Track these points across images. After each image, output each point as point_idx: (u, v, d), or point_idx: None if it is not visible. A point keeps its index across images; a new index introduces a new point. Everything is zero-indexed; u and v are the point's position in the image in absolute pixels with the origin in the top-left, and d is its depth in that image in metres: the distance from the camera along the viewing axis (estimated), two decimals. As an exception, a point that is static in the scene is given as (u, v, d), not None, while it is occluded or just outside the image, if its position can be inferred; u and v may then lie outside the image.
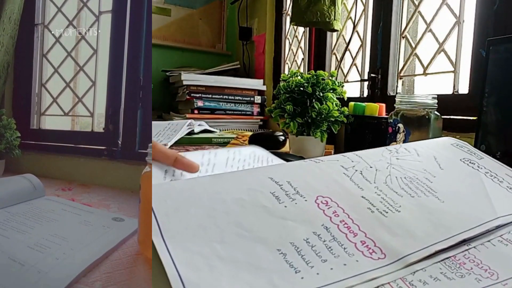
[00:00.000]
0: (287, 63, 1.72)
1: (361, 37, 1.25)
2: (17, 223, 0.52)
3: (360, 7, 1.24)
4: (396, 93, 1.11)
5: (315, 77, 0.85)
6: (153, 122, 1.33)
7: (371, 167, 0.42)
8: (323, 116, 0.82)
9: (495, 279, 0.28)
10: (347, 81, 1.34)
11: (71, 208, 0.61)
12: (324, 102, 0.83)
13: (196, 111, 1.55)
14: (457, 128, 0.85)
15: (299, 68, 1.61)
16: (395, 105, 0.75)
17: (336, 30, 1.20)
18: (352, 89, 1.29)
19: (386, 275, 0.28)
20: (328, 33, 1.43)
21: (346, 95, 0.88)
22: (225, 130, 1.55)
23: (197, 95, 1.55)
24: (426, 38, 1.01)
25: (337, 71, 1.32)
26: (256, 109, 1.68)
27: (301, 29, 1.59)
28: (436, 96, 0.72)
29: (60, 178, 0.89)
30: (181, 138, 1.16)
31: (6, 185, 0.62)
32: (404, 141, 0.73)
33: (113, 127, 0.92)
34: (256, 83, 1.69)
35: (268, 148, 1.02)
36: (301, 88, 0.83)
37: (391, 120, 0.75)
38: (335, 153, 1.08)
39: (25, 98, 1.06)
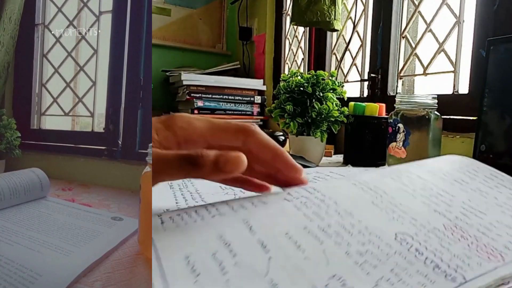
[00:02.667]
0: (287, 63, 1.72)
1: (361, 37, 1.25)
2: (18, 225, 0.52)
3: (360, 7, 1.24)
4: (396, 93, 1.11)
5: (315, 77, 0.85)
6: (153, 122, 1.32)
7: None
8: (323, 116, 0.82)
9: None
10: (347, 81, 1.34)
11: (70, 209, 0.61)
12: (324, 102, 0.83)
13: (196, 111, 1.55)
14: (457, 128, 0.85)
15: (299, 68, 1.61)
16: (395, 105, 0.76)
17: (337, 30, 1.20)
18: (352, 89, 1.30)
19: None
20: (328, 33, 1.43)
21: (346, 95, 0.88)
22: (225, 130, 1.54)
23: (197, 95, 1.55)
24: (426, 38, 1.01)
25: (337, 71, 1.32)
26: (256, 109, 1.68)
27: (301, 29, 1.59)
28: (436, 96, 0.72)
29: (60, 178, 0.89)
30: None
31: (19, 179, 0.63)
32: (404, 141, 0.73)
33: (113, 127, 0.92)
34: (256, 83, 1.69)
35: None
36: (301, 88, 0.83)
37: (391, 120, 0.75)
38: (335, 153, 1.08)
39: (25, 98, 1.06)
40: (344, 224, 0.34)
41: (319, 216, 0.35)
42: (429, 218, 0.36)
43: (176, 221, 0.36)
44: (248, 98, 1.66)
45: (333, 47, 1.43)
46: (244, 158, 0.30)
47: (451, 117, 0.86)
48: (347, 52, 1.31)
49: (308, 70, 1.37)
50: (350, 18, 1.31)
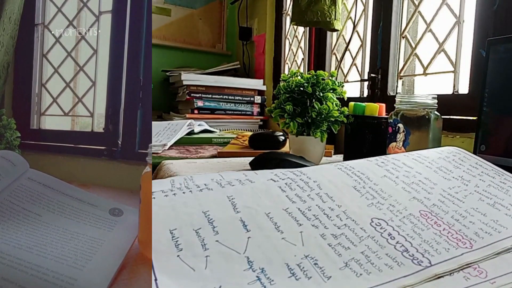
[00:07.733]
0: (287, 63, 1.72)
1: (361, 37, 1.25)
2: (22, 216, 0.47)
3: (360, 7, 1.24)
4: (396, 93, 1.11)
5: (315, 77, 0.85)
6: (153, 122, 1.33)
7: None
8: (323, 116, 0.82)
9: (483, 277, 0.28)
10: (347, 81, 1.33)
11: (63, 197, 0.56)
12: (324, 102, 0.83)
13: (196, 111, 1.55)
14: (457, 128, 0.85)
15: (299, 68, 1.61)
16: (395, 105, 0.75)
17: (337, 30, 1.20)
18: (352, 89, 1.29)
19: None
20: (328, 33, 1.42)
21: (346, 95, 0.88)
22: (225, 130, 1.55)
23: (197, 95, 1.55)
24: (426, 38, 1.01)
25: (337, 71, 1.32)
26: (256, 109, 1.68)
27: (301, 29, 1.59)
28: (436, 96, 0.72)
29: (60, 178, 0.89)
30: (181, 138, 1.16)
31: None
32: (404, 141, 0.73)
33: (113, 127, 0.92)
34: (256, 83, 1.69)
35: (268, 148, 1.02)
36: (301, 88, 0.83)
37: (391, 120, 0.75)
38: (335, 153, 1.08)
39: (25, 98, 1.06)
40: (324, 207, 0.36)
41: (301, 198, 0.37)
42: (407, 204, 0.38)
43: (165, 191, 0.38)
44: (248, 98, 1.66)
45: (333, 47, 1.43)
46: None
47: (451, 117, 0.86)
48: (347, 52, 1.31)
49: (308, 70, 1.37)
50: (350, 18, 1.30)
